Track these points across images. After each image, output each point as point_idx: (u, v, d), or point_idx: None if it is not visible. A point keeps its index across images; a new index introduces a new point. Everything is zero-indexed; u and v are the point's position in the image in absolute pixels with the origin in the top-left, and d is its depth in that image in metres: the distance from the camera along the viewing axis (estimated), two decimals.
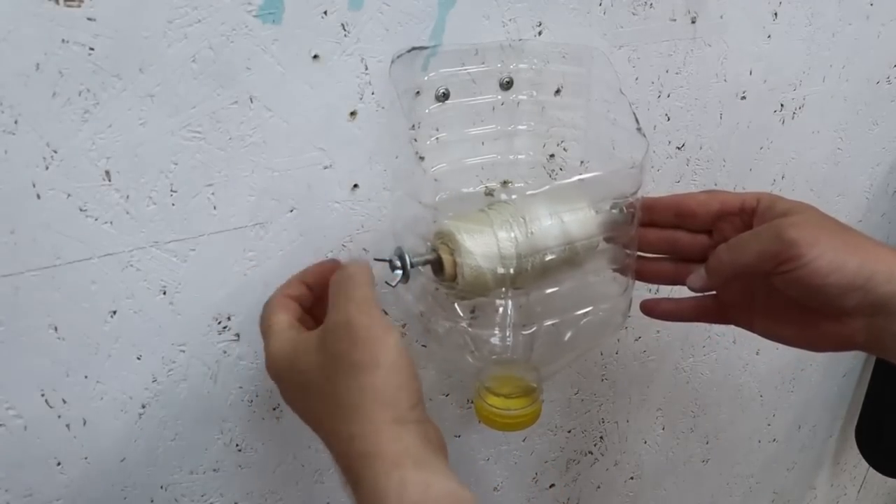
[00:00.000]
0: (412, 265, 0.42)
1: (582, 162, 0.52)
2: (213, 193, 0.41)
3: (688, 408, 0.79)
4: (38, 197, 0.36)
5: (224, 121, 0.39)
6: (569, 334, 0.47)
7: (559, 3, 0.47)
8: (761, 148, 0.66)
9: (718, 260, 0.43)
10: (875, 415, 0.97)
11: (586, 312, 0.47)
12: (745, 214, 0.45)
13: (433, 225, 0.44)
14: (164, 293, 0.42)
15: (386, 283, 0.42)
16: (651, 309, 0.50)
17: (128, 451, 0.45)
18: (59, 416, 0.41)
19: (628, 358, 0.69)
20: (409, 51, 0.43)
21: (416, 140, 0.46)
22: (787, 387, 0.89)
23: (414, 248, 0.44)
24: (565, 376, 0.65)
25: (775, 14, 0.59)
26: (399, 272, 0.42)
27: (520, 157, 0.50)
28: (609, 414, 0.71)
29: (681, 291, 0.48)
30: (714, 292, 0.48)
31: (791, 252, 0.39)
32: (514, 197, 0.45)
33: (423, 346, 0.54)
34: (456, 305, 0.47)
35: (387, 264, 0.43)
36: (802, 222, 0.40)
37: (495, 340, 0.46)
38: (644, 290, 0.65)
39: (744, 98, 0.62)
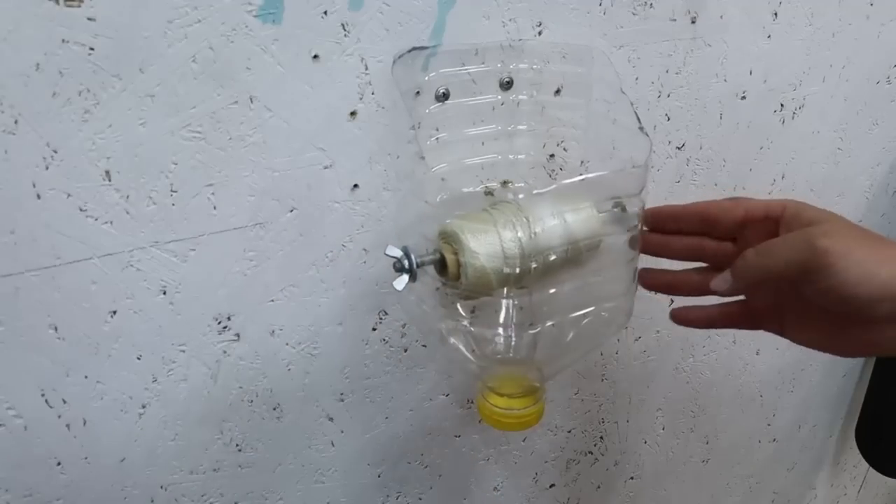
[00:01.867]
0: (417, 265, 0.42)
1: (582, 162, 0.52)
2: (213, 193, 0.41)
3: (688, 408, 0.79)
4: (38, 197, 0.36)
5: (224, 121, 0.39)
6: (572, 334, 0.47)
7: (559, 3, 0.47)
8: (761, 148, 0.66)
9: (745, 263, 0.42)
10: (875, 415, 0.97)
11: (590, 312, 0.47)
12: (770, 222, 0.44)
13: (437, 225, 0.44)
14: (164, 293, 0.42)
15: (393, 286, 0.42)
16: (681, 318, 0.49)
17: (128, 451, 0.45)
18: (59, 416, 0.41)
19: (628, 358, 0.69)
20: (409, 51, 0.43)
21: (416, 140, 0.46)
22: (787, 387, 0.89)
23: (417, 247, 0.44)
24: (565, 376, 0.65)
25: (775, 14, 0.59)
26: (406, 275, 0.42)
27: (520, 157, 0.50)
28: (609, 414, 0.71)
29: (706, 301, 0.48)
30: (742, 297, 0.48)
31: (821, 261, 0.38)
32: (521, 196, 0.45)
33: (423, 346, 0.54)
34: (458, 305, 0.47)
35: (389, 264, 0.43)
36: (834, 232, 0.39)
37: (498, 340, 0.46)
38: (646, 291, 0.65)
39: (744, 98, 0.62)
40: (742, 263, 0.42)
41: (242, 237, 0.43)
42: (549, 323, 0.46)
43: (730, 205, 0.46)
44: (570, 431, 0.69)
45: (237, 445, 0.49)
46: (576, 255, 0.45)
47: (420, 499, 0.61)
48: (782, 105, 0.65)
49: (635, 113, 0.46)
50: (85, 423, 0.42)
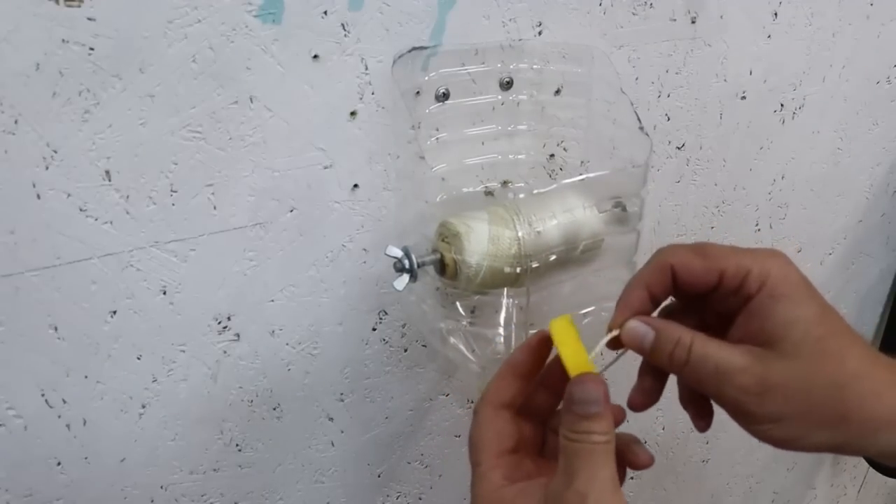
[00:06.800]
0: (418, 265, 0.42)
1: (582, 162, 0.52)
2: (213, 193, 0.41)
3: None
4: (38, 197, 0.36)
5: (224, 121, 0.39)
6: None
7: (559, 3, 0.47)
8: (761, 148, 0.66)
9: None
10: None
11: (590, 312, 0.47)
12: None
13: (437, 224, 0.44)
14: (164, 293, 0.42)
15: (393, 286, 0.42)
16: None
17: (128, 451, 0.45)
18: (59, 416, 0.41)
19: (628, 358, 0.69)
20: (409, 51, 0.43)
21: (416, 140, 0.46)
22: None
23: (418, 247, 0.44)
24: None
25: (775, 14, 0.59)
26: (406, 275, 0.42)
27: (520, 157, 0.50)
28: None
29: None
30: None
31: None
32: (521, 196, 0.45)
33: (423, 346, 0.54)
34: (458, 305, 0.47)
35: (389, 264, 0.43)
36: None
37: (499, 340, 0.46)
38: None
39: (744, 98, 0.62)
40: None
41: (242, 237, 0.43)
42: None
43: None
44: None
45: (237, 445, 0.49)
46: (576, 255, 0.45)
47: (420, 499, 0.61)
48: (782, 105, 0.65)
49: (635, 113, 0.46)
50: (85, 423, 0.42)
